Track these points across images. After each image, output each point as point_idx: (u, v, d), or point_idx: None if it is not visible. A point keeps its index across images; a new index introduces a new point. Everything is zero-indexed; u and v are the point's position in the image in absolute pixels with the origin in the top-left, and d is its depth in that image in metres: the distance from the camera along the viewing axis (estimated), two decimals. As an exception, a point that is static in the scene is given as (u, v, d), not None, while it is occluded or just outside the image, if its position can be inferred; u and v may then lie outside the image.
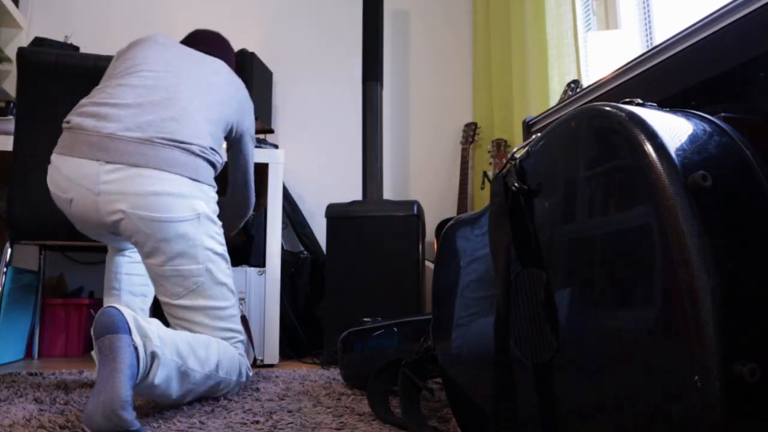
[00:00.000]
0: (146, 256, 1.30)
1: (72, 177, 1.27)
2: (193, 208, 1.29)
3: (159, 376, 1.05)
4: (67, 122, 1.33)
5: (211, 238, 1.34)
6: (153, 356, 1.03)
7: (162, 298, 1.33)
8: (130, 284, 1.50)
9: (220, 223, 1.39)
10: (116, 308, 1.01)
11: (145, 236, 1.26)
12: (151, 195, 1.24)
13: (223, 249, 1.37)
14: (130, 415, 0.89)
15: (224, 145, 1.57)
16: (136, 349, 0.98)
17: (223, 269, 1.36)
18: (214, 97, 1.44)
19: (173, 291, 1.30)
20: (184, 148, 1.30)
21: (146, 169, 1.25)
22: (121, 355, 0.95)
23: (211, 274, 1.32)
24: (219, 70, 1.52)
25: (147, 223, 1.25)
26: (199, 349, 1.19)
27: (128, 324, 0.99)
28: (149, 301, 1.55)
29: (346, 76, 2.89)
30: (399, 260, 2.06)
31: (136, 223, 1.25)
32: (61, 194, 1.30)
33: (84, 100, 1.36)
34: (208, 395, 1.27)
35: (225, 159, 1.49)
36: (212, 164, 1.40)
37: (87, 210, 1.28)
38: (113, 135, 1.26)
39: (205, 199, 1.34)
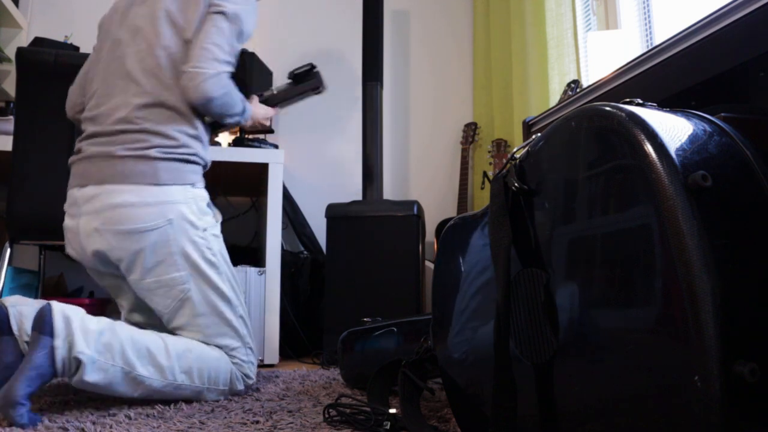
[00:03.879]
0: (127, 273, 1.29)
1: (66, 209, 1.35)
2: (163, 214, 1.25)
3: (92, 377, 1.09)
4: None
5: (192, 242, 1.28)
6: (77, 361, 1.07)
7: (159, 316, 1.32)
8: None
9: (206, 226, 1.32)
10: (50, 306, 1.07)
11: (121, 251, 1.26)
12: (116, 207, 1.25)
13: (210, 254, 1.30)
14: (15, 413, 0.98)
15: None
16: (53, 350, 1.05)
17: (210, 274, 1.29)
18: (153, 55, 1.34)
19: (164, 303, 1.28)
20: (141, 156, 1.27)
21: (108, 185, 1.26)
22: (32, 355, 1.03)
23: (197, 280, 1.28)
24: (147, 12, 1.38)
25: (118, 237, 1.25)
26: (161, 357, 1.18)
27: (53, 326, 1.06)
28: None
29: (346, 76, 2.89)
30: (399, 260, 2.06)
31: (109, 239, 1.26)
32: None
33: None
34: (192, 400, 1.25)
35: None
36: (187, 161, 1.32)
37: (76, 238, 1.31)
38: (84, 157, 1.31)
39: (181, 201, 1.28)
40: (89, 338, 1.08)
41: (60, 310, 1.08)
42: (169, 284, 1.26)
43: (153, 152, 1.27)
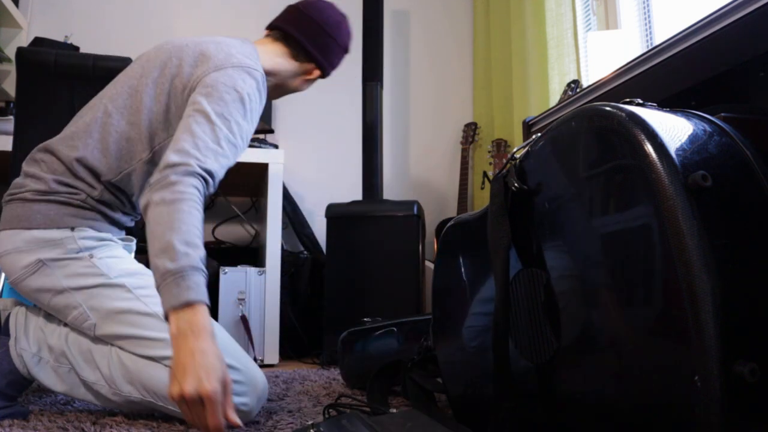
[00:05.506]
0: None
1: None
2: (35, 257, 1.13)
3: (46, 380, 1.12)
4: None
5: (76, 276, 1.13)
6: (20, 357, 1.12)
7: None
8: None
9: (94, 254, 1.15)
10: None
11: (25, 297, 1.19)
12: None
13: (103, 279, 1.13)
14: None
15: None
16: (9, 348, 1.13)
17: (113, 298, 1.12)
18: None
19: (86, 332, 1.14)
20: (17, 198, 1.16)
21: None
22: None
23: (98, 311, 1.11)
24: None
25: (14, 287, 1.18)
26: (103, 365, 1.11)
27: (8, 325, 1.15)
28: None
29: (346, 76, 2.89)
30: (399, 260, 2.06)
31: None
32: None
33: None
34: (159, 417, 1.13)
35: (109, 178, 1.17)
36: (66, 203, 1.16)
37: None
38: None
39: (51, 244, 1.14)
40: (37, 336, 1.13)
41: (19, 310, 1.16)
42: (76, 323, 1.13)
43: (26, 194, 1.16)
